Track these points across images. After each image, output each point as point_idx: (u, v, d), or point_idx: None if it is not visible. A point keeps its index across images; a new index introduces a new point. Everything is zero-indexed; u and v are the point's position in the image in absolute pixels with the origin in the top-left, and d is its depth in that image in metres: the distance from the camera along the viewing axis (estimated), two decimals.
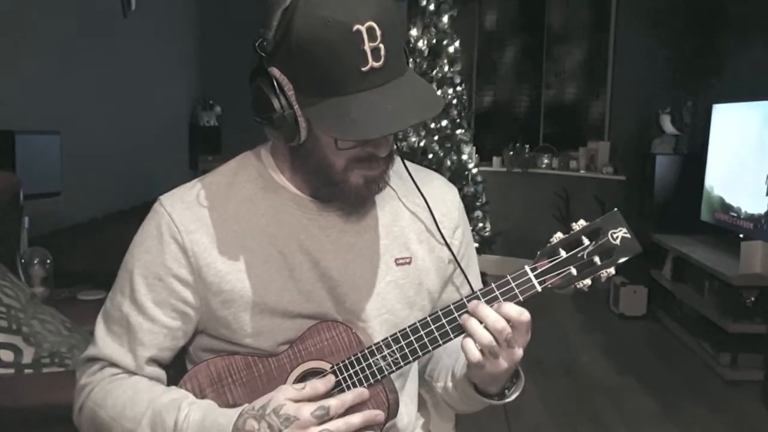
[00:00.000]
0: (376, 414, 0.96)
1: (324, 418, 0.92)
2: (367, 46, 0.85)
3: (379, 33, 0.85)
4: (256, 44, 0.91)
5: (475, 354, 0.92)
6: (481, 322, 0.91)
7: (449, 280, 1.14)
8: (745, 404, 3.33)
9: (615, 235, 0.90)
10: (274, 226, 1.01)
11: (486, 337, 0.91)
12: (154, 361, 1.03)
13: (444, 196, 1.13)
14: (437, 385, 1.12)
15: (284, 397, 0.93)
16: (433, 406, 1.26)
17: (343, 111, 0.87)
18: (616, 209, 0.92)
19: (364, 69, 0.86)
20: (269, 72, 0.92)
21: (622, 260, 0.90)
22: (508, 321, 0.91)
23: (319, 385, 0.96)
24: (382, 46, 0.86)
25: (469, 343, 0.92)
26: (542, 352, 3.84)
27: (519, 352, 0.94)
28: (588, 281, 0.91)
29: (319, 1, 0.86)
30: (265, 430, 0.90)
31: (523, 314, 0.91)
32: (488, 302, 0.93)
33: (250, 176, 1.04)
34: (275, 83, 0.91)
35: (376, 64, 0.86)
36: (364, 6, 0.86)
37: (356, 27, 0.84)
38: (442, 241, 1.08)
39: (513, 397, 1.02)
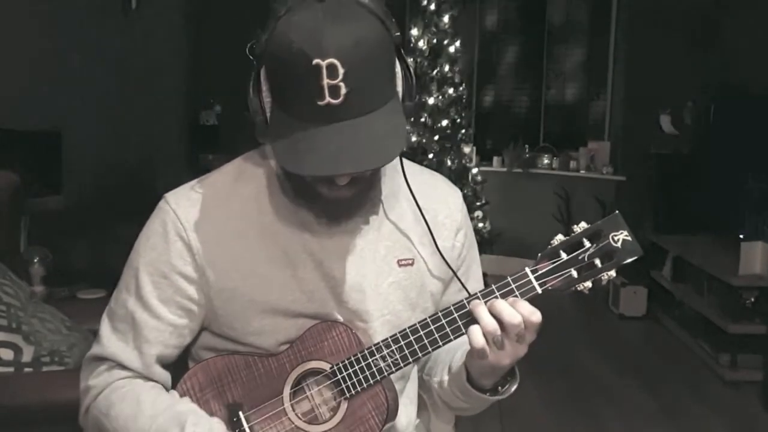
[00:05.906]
0: None
1: None
2: (325, 82, 0.83)
3: (341, 72, 0.82)
4: (248, 46, 0.91)
5: (480, 340, 0.90)
6: (495, 316, 0.90)
7: (451, 281, 1.13)
8: (744, 405, 3.33)
9: (616, 238, 0.90)
10: (277, 225, 1.01)
11: (491, 324, 0.90)
12: (159, 360, 1.03)
13: (447, 198, 1.13)
14: (434, 380, 1.11)
15: None
16: (432, 407, 1.26)
17: (295, 138, 0.87)
18: (617, 212, 0.92)
19: (320, 103, 0.84)
20: (259, 74, 0.92)
21: (623, 263, 0.90)
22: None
23: None
24: (342, 84, 0.83)
25: (476, 329, 0.91)
26: (541, 351, 3.84)
27: (524, 349, 0.93)
28: (588, 284, 0.91)
29: (295, 22, 0.85)
30: None
31: (534, 314, 0.90)
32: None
33: (254, 175, 1.04)
34: (258, 85, 0.92)
35: (333, 101, 0.84)
36: (332, 40, 0.82)
37: (316, 61, 0.82)
38: (443, 244, 1.07)
39: (506, 395, 1.01)
